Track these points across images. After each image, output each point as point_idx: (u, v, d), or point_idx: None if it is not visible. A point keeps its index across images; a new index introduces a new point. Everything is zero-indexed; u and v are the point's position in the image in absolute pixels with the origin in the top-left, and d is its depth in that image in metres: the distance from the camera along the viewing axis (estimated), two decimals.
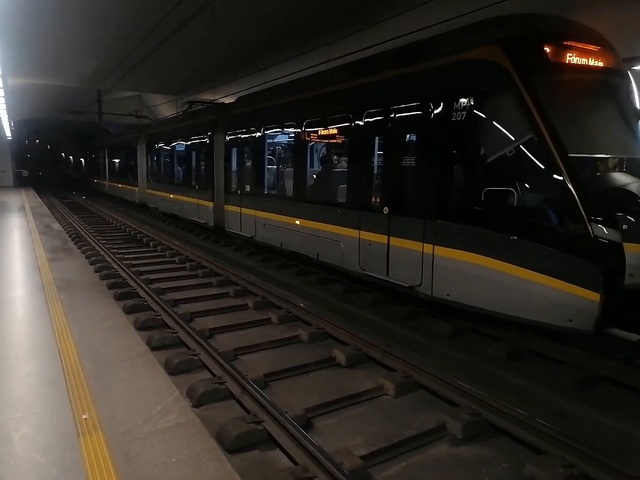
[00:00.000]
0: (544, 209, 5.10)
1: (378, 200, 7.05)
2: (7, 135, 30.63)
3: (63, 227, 14.30)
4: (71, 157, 51.30)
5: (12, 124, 28.43)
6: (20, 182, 35.43)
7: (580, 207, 4.68)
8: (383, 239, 6.87)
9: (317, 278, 9.08)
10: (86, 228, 15.24)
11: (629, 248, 4.61)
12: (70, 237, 12.58)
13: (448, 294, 5.97)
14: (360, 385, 4.78)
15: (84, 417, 3.35)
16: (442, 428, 3.97)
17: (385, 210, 6.81)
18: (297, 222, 9.03)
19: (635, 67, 7.27)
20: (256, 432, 3.75)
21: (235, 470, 2.82)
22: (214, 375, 4.85)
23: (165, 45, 11.90)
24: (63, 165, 54.07)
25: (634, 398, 4.61)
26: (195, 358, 5.21)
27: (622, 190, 5.10)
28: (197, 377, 4.77)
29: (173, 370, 4.98)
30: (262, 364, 5.24)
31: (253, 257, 11.39)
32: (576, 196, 4.72)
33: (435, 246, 6.00)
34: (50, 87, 22.08)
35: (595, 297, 4.58)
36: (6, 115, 22.59)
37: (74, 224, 16.27)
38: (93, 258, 10.23)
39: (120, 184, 24.94)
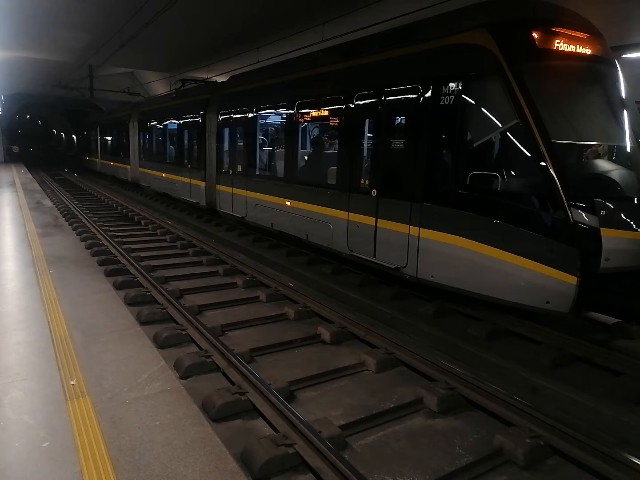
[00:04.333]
0: (527, 193, 5.21)
1: (367, 182, 7.12)
2: None
3: (54, 204, 14.26)
4: (63, 133, 50.64)
5: (2, 98, 27.96)
6: (11, 158, 35.02)
7: (561, 192, 4.79)
8: (371, 220, 6.97)
9: (307, 259, 9.20)
10: (77, 205, 15.22)
11: (606, 233, 4.75)
12: (61, 213, 12.57)
13: (432, 276, 6.11)
14: (343, 361, 4.94)
15: (72, 383, 3.46)
16: (419, 401, 4.13)
17: (374, 192, 6.89)
18: (288, 203, 9.10)
19: (624, 55, 7.34)
20: (240, 402, 3.89)
21: (215, 433, 2.96)
22: (201, 349, 4.97)
23: (158, 21, 11.76)
24: (54, 142, 53.42)
25: (606, 377, 4.78)
26: (184, 333, 5.33)
27: (603, 177, 5.21)
28: (185, 351, 4.89)
29: (161, 343, 5.10)
30: (248, 340, 5.38)
31: (244, 237, 11.48)
32: (557, 182, 4.82)
33: (420, 229, 6.12)
34: (42, 61, 21.73)
35: (572, 280, 4.72)
36: None
37: (65, 200, 16.21)
38: (84, 235, 10.28)
39: (112, 161, 24.76)
